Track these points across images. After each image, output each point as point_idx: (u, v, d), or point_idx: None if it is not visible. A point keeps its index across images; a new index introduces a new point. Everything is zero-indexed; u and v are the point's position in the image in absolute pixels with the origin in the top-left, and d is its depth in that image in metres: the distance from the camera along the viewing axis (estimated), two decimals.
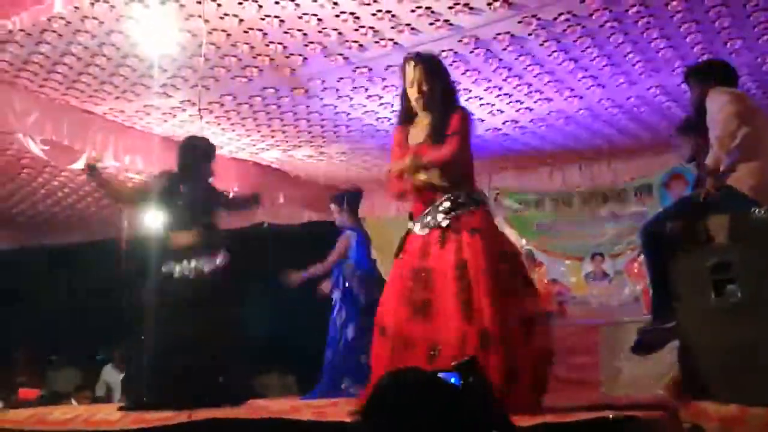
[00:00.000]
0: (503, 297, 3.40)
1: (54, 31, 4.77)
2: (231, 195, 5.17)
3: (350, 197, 6.36)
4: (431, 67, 3.71)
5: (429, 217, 3.62)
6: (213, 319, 4.58)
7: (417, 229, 3.65)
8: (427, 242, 3.58)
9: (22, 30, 4.71)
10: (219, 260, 4.75)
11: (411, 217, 3.75)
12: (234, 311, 4.86)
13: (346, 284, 6.13)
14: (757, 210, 3.48)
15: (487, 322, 3.32)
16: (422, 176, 3.62)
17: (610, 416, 2.93)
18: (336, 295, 6.20)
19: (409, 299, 3.52)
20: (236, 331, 4.82)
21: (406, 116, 3.80)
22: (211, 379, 4.48)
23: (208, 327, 4.53)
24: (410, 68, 3.69)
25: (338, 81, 5.56)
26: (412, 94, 3.69)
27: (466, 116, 3.72)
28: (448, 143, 3.59)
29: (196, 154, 4.99)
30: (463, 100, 5.88)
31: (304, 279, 6.32)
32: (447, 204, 3.59)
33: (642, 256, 6.33)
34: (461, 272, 3.43)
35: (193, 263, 4.68)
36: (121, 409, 4.26)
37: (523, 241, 7.92)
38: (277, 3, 4.41)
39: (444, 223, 3.56)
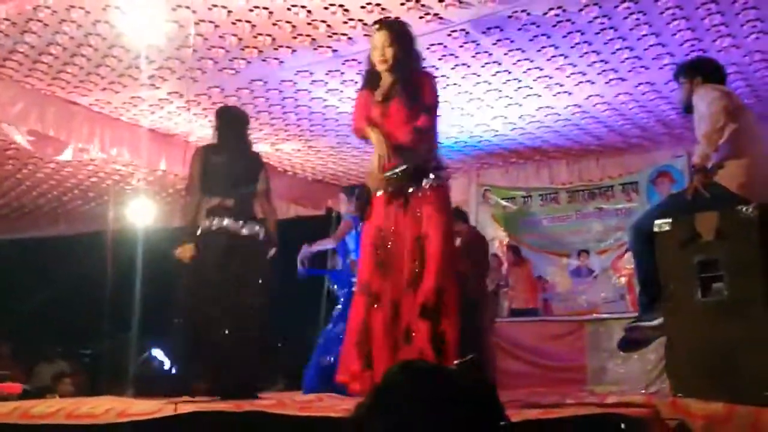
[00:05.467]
0: (449, 273, 3.61)
1: (39, 21, 4.73)
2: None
3: (360, 190, 6.32)
4: (396, 32, 3.79)
5: (393, 183, 3.70)
6: (246, 280, 4.58)
7: (380, 193, 3.76)
8: (390, 204, 3.71)
9: (6, 19, 4.67)
10: (250, 229, 4.67)
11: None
12: (264, 284, 4.76)
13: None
14: (744, 208, 3.48)
15: (428, 295, 3.53)
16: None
17: (595, 412, 2.93)
18: (343, 294, 6.15)
19: (374, 257, 3.69)
20: (264, 308, 4.73)
21: (371, 80, 3.87)
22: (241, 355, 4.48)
23: (240, 287, 4.53)
24: (375, 32, 3.78)
25: (327, 74, 5.54)
26: (376, 57, 3.76)
27: (435, 85, 3.86)
28: (425, 115, 3.71)
29: (231, 122, 4.90)
30: (452, 95, 5.90)
31: (312, 253, 6.25)
32: (413, 171, 3.68)
33: (628, 253, 6.36)
34: (418, 244, 3.61)
35: (228, 222, 4.61)
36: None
37: (510, 238, 7.92)
38: None
39: (409, 189, 3.68)
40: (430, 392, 1.57)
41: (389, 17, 4.00)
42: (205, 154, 4.79)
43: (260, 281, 4.69)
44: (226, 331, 4.50)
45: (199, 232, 4.63)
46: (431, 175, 3.70)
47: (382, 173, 3.72)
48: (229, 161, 4.75)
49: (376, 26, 3.81)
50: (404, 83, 3.75)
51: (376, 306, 3.64)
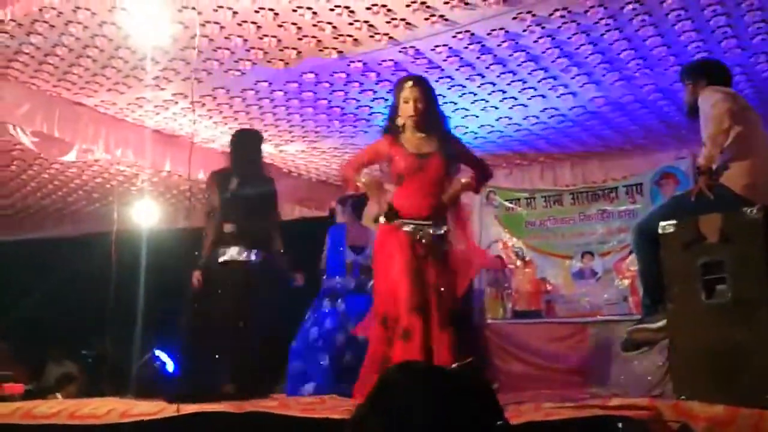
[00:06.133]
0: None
1: (45, 22, 4.74)
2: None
3: (354, 201, 6.35)
4: (427, 89, 4.16)
5: (422, 229, 4.05)
6: (250, 306, 4.79)
7: (408, 230, 4.05)
8: (417, 246, 4.03)
9: (13, 20, 4.67)
10: (256, 256, 4.90)
11: (391, 208, 4.09)
12: (268, 306, 5.01)
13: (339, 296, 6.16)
14: (749, 209, 3.47)
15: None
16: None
17: (598, 415, 2.93)
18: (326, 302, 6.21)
19: (412, 296, 3.92)
20: (266, 325, 4.98)
21: (394, 129, 4.17)
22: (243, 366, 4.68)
23: (244, 313, 4.74)
24: (408, 87, 4.11)
25: (332, 75, 5.54)
26: (407, 111, 4.08)
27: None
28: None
29: (245, 148, 5.16)
30: (456, 97, 5.91)
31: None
32: (439, 229, 4.08)
33: (632, 255, 6.34)
34: (438, 287, 3.99)
35: (236, 252, 4.86)
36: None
37: (514, 239, 7.92)
38: None
39: (434, 239, 4.06)
40: (428, 391, 1.57)
41: (418, 75, 4.46)
42: (220, 180, 5.02)
43: (265, 309, 4.90)
44: (230, 347, 4.66)
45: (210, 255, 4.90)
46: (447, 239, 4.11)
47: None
48: (241, 188, 4.89)
49: (409, 83, 4.14)
50: (443, 142, 4.13)
51: (405, 342, 3.84)
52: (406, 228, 4.03)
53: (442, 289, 3.97)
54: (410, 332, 3.84)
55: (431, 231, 4.04)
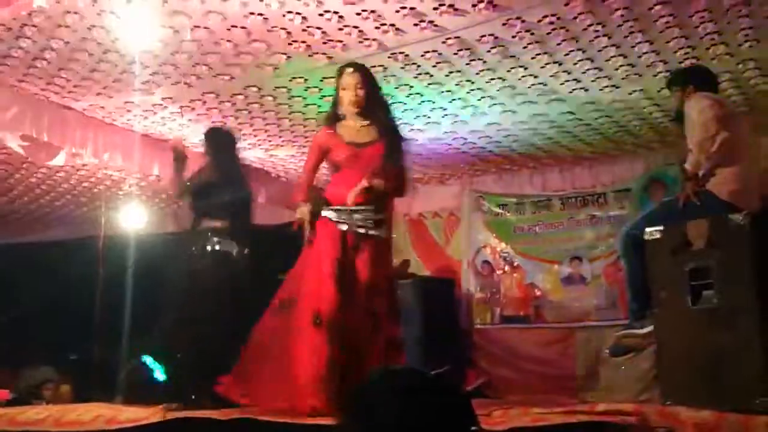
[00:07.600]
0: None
1: (34, 26, 4.71)
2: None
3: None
4: (366, 75, 4.08)
5: (353, 216, 3.88)
6: (233, 299, 4.76)
7: (335, 219, 3.90)
8: (345, 239, 3.87)
9: (1, 24, 4.65)
10: (237, 249, 4.90)
11: (326, 202, 3.98)
12: (251, 298, 4.92)
13: None
14: (735, 216, 3.49)
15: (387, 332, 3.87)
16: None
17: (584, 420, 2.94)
18: None
19: (337, 289, 3.78)
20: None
21: (334, 119, 4.09)
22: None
23: (227, 305, 4.72)
24: (347, 73, 4.03)
25: (321, 80, 5.54)
26: (348, 96, 3.99)
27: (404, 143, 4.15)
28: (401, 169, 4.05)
29: (220, 145, 5.18)
30: (446, 103, 5.91)
31: None
32: (372, 215, 3.89)
33: (620, 260, 6.37)
34: (368, 287, 3.84)
35: (218, 245, 4.85)
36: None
37: (503, 245, 7.93)
38: (261, 0, 4.38)
39: (363, 231, 3.88)
40: (404, 395, 1.59)
41: (358, 62, 4.30)
42: (200, 176, 5.04)
43: (250, 298, 4.85)
44: (221, 344, 4.60)
45: (193, 251, 4.87)
46: (383, 227, 3.93)
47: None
48: (221, 185, 4.93)
49: (349, 69, 4.05)
50: (385, 131, 4.00)
51: (342, 341, 3.74)
52: (332, 216, 3.89)
53: (373, 286, 3.83)
54: (319, 314, 3.73)
55: (361, 217, 3.86)
